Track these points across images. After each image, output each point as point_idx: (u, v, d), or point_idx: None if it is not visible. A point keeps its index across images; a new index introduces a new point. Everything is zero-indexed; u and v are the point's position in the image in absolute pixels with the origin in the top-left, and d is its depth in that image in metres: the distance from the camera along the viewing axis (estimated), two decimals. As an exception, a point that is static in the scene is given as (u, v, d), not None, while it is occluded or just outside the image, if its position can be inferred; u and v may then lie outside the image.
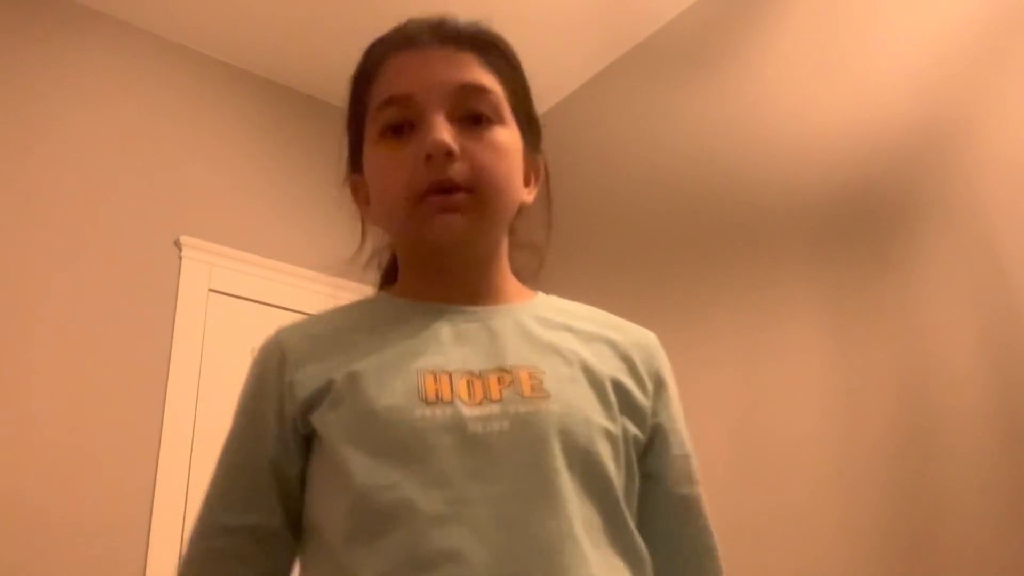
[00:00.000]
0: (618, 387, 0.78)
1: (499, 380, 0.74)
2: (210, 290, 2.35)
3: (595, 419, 0.74)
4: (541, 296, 0.88)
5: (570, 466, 0.70)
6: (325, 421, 0.73)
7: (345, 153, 0.90)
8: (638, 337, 0.85)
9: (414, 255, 0.85)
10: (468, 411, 0.71)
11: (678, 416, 0.84)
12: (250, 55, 2.64)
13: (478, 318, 0.80)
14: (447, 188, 0.77)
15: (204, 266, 2.37)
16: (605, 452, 0.73)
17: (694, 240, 2.24)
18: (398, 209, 0.79)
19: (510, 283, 0.87)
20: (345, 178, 0.91)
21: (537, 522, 0.67)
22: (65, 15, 2.36)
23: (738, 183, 2.16)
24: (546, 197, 0.92)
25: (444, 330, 0.79)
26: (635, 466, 0.76)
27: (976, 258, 1.64)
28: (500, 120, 0.82)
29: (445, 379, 0.73)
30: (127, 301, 2.21)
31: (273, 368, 0.79)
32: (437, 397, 0.72)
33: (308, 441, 0.76)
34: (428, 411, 0.71)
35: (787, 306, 1.96)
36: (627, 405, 0.78)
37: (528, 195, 0.88)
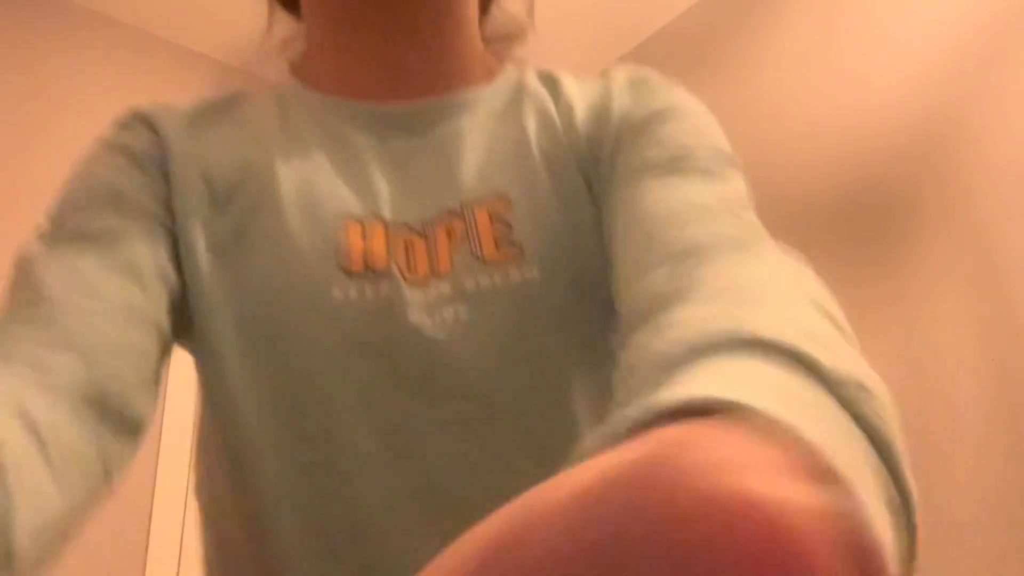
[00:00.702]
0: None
1: (448, 234, 0.48)
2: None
3: (589, 273, 0.48)
4: (510, 71, 0.59)
5: (576, 359, 0.47)
6: (206, 282, 0.47)
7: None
8: (605, 83, 0.55)
9: (340, 13, 0.55)
10: (409, 292, 0.46)
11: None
12: (250, 55, 2.63)
13: (425, 125, 0.53)
14: None
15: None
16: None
17: None
18: None
19: (475, 59, 0.58)
20: None
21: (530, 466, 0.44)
22: (63, 15, 2.35)
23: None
24: None
25: (368, 149, 0.52)
26: None
27: (975, 258, 1.64)
28: None
29: (379, 234, 0.48)
30: None
31: (144, 152, 0.50)
32: (366, 263, 0.47)
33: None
34: (353, 288, 0.46)
35: None
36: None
37: None
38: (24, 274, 0.45)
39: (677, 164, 0.46)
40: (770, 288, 0.35)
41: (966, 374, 1.59)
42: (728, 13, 2.32)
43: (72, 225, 0.47)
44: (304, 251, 0.46)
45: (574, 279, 0.48)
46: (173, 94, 2.33)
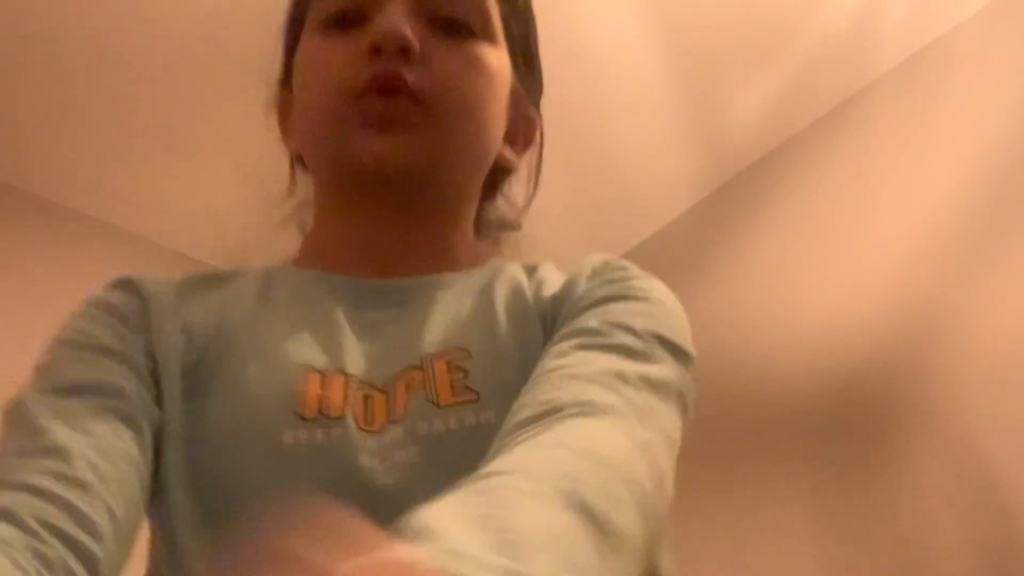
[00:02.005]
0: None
1: (407, 385, 0.50)
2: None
3: None
4: (493, 264, 0.62)
5: None
6: (173, 422, 0.49)
7: (277, 66, 0.68)
8: (577, 268, 0.59)
9: (337, 192, 0.60)
10: (361, 438, 0.47)
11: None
12: (215, 249, 2.56)
13: (403, 297, 0.56)
14: (392, 90, 0.54)
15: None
16: None
17: (682, 438, 2.26)
18: (324, 114, 0.57)
19: (463, 248, 0.61)
20: (272, 97, 0.69)
21: None
22: (45, 214, 2.32)
23: (724, 383, 2.19)
24: (535, 165, 0.69)
25: (350, 316, 0.54)
26: None
27: (958, 453, 1.66)
28: (486, 34, 0.59)
29: (337, 384, 0.49)
30: None
31: (129, 308, 0.54)
32: (320, 410, 0.48)
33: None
34: (304, 433, 0.47)
35: (774, 503, 1.98)
36: None
37: (512, 154, 0.65)
38: (17, 416, 0.47)
39: (605, 338, 0.49)
40: (552, 476, 0.37)
41: (954, 559, 1.61)
42: (715, 221, 2.41)
43: (62, 375, 0.50)
44: (260, 397, 0.48)
45: None
46: None
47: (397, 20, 0.54)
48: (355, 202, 0.58)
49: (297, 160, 0.66)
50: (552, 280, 0.58)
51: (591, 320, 0.50)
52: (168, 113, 2.11)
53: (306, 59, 0.60)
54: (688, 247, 2.46)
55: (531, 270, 0.60)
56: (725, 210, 2.41)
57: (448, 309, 0.55)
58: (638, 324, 0.51)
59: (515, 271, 0.59)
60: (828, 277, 2.05)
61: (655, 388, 0.48)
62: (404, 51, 0.54)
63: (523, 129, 0.66)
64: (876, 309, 1.91)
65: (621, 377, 0.46)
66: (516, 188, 0.70)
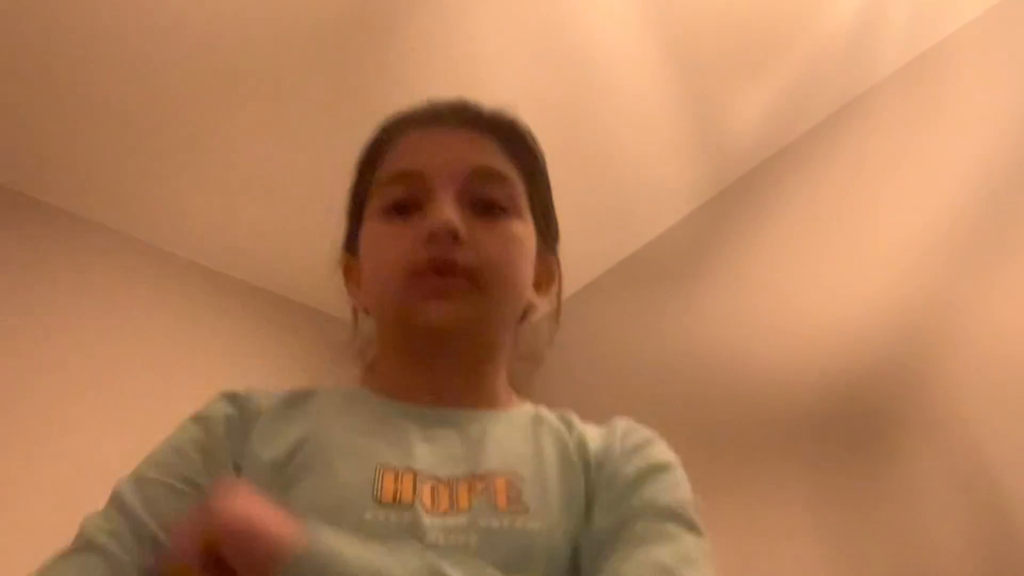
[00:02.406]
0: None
1: (470, 488, 0.62)
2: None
3: (574, 536, 0.63)
4: (530, 405, 0.78)
5: None
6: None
7: (343, 231, 0.83)
8: (613, 433, 0.73)
9: (401, 341, 0.74)
10: (429, 519, 0.59)
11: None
12: (252, 267, 2.64)
13: (458, 422, 0.70)
14: (446, 270, 0.69)
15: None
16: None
17: (685, 444, 2.25)
18: (390, 285, 0.71)
19: (503, 389, 0.77)
20: (338, 259, 0.84)
21: None
22: (62, 225, 2.34)
23: (726, 387, 2.20)
24: (556, 304, 0.83)
25: (417, 430, 0.68)
26: None
27: (959, 456, 1.67)
28: (515, 212, 0.75)
29: (408, 480, 0.62)
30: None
31: (222, 422, 0.68)
32: (395, 499, 0.60)
33: None
34: (381, 513, 0.59)
35: (776, 506, 1.98)
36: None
37: (537, 298, 0.80)
38: (116, 502, 0.63)
39: (646, 528, 0.62)
40: None
41: (955, 560, 1.61)
42: (715, 226, 2.42)
43: (157, 471, 0.65)
44: (347, 484, 0.61)
45: (568, 535, 0.62)
46: (169, 303, 2.39)
47: (448, 212, 0.69)
48: (417, 349, 0.73)
49: (362, 310, 0.82)
50: (589, 436, 0.72)
51: (631, 504, 0.64)
52: (181, 123, 2.12)
53: (373, 240, 0.75)
54: (689, 251, 2.47)
55: (567, 423, 0.74)
56: (725, 215, 2.41)
57: (502, 440, 0.69)
58: (667, 500, 0.66)
59: (553, 420, 0.74)
60: (829, 281, 2.06)
61: (695, 566, 0.60)
62: (454, 237, 0.69)
63: (546, 276, 0.81)
64: (876, 313, 1.91)
65: (668, 572, 0.58)
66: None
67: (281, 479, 0.62)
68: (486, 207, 0.73)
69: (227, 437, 0.67)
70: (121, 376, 2.32)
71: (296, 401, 0.72)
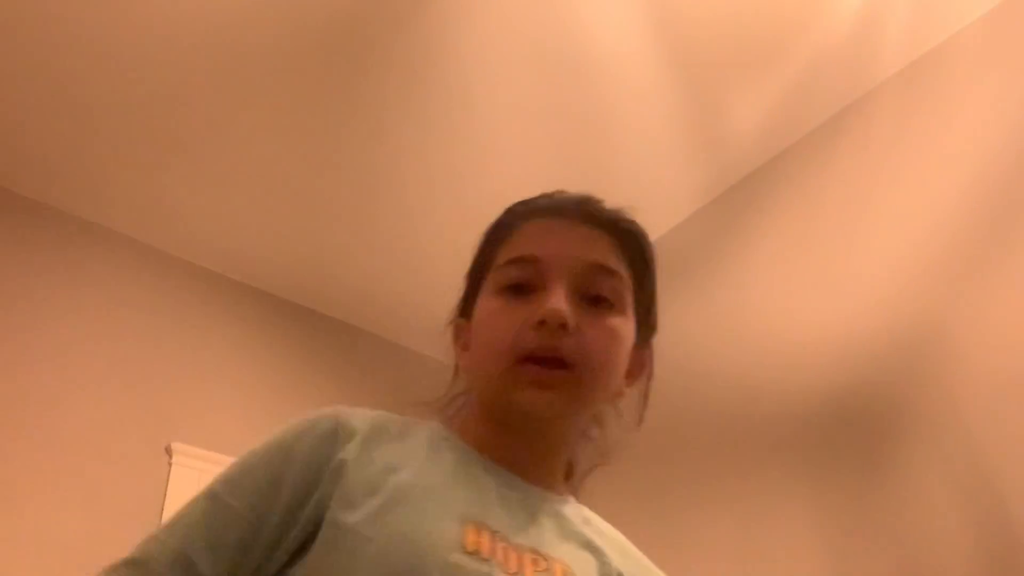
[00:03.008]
0: None
1: (534, 563, 0.70)
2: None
3: None
4: (573, 501, 0.85)
5: None
6: (358, 521, 0.67)
7: (459, 296, 0.89)
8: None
9: (495, 410, 0.81)
10: (503, 574, 0.66)
11: None
12: (246, 267, 2.64)
13: (528, 493, 0.77)
14: (550, 360, 0.74)
15: (194, 472, 2.30)
16: None
17: (685, 448, 2.27)
18: (498, 362, 0.76)
19: (560, 472, 0.84)
20: (450, 320, 0.89)
21: None
22: (63, 227, 2.37)
23: (726, 389, 2.21)
24: (644, 391, 0.89)
25: (494, 488, 0.75)
26: None
27: (958, 459, 1.67)
28: (620, 307, 0.80)
29: (487, 536, 0.69)
30: (113, 507, 2.14)
31: (320, 436, 0.74)
32: (476, 551, 0.66)
33: (302, 544, 0.69)
34: (465, 560, 0.65)
35: (777, 508, 1.99)
36: None
37: (626, 387, 0.85)
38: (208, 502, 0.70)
39: None
40: None
41: (955, 561, 1.62)
42: (716, 228, 2.44)
43: (231, 493, 0.71)
44: (437, 526, 0.67)
45: None
46: (167, 304, 2.40)
47: (560, 302, 0.74)
48: (508, 422, 0.79)
49: (462, 369, 0.88)
50: (611, 542, 0.80)
51: None
52: (180, 125, 2.12)
53: (488, 315, 0.80)
54: (690, 254, 2.47)
55: (598, 523, 0.83)
56: (726, 217, 2.41)
57: (560, 531, 0.76)
58: None
59: (596, 521, 0.83)
60: (829, 284, 2.06)
61: None
62: (563, 326, 0.74)
63: (637, 365, 0.86)
64: (877, 315, 1.91)
65: None
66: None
67: (370, 497, 0.68)
68: (594, 300, 0.78)
69: (316, 453, 0.73)
70: (122, 377, 2.32)
71: (390, 426, 0.78)
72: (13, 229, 2.27)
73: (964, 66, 1.94)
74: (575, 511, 0.81)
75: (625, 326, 0.80)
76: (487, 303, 0.81)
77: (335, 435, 0.73)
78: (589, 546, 0.77)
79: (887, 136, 2.05)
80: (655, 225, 2.78)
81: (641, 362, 0.87)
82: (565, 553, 0.73)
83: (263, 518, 0.69)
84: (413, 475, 0.71)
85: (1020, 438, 1.59)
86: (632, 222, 0.87)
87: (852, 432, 1.89)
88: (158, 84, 2.00)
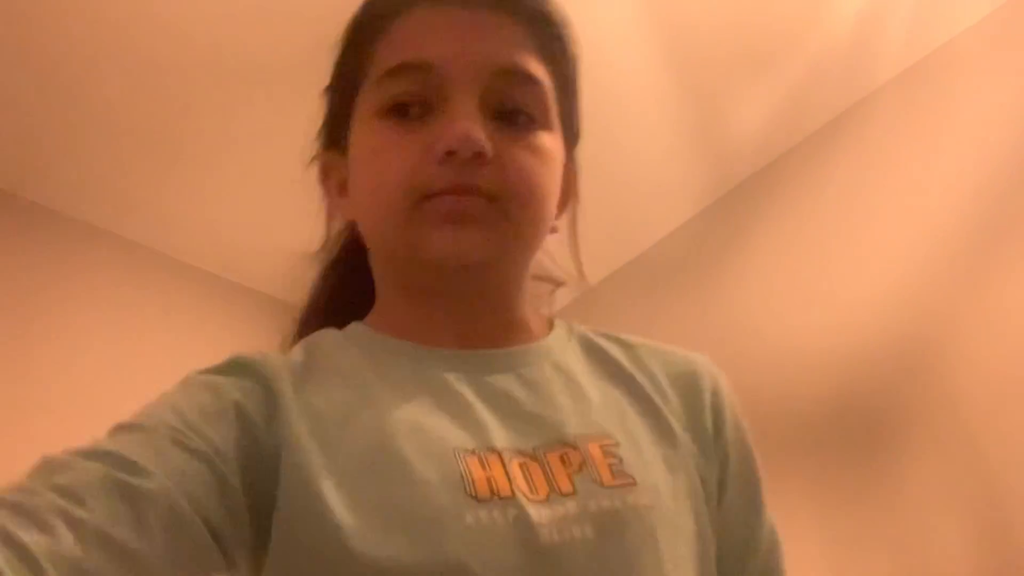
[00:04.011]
0: (687, 440, 0.58)
1: (563, 461, 0.52)
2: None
3: (685, 499, 0.54)
4: (560, 324, 0.66)
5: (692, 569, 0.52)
6: (323, 493, 0.48)
7: (320, 120, 0.68)
8: (692, 367, 0.64)
9: (407, 275, 0.62)
10: (535, 511, 0.49)
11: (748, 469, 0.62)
12: (252, 271, 2.64)
13: (505, 366, 0.59)
14: (464, 192, 0.56)
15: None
16: (698, 549, 0.54)
17: None
18: (391, 210, 0.57)
19: (532, 315, 0.66)
20: (315, 154, 0.69)
21: None
22: (67, 231, 2.34)
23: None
24: (571, 215, 0.72)
25: (465, 387, 0.56)
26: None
27: (959, 459, 1.67)
28: (544, 123, 0.61)
29: (495, 462, 0.51)
30: None
31: (240, 389, 0.53)
32: (492, 491, 0.49)
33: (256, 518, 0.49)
34: (483, 513, 0.48)
35: (777, 513, 1.98)
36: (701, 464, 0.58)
37: (557, 219, 0.68)
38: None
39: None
40: None
41: (955, 562, 1.61)
42: (717, 230, 2.42)
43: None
44: (434, 486, 0.49)
45: (673, 511, 0.53)
46: (176, 309, 2.37)
47: (471, 126, 0.55)
48: (433, 286, 0.61)
49: (344, 224, 0.69)
50: (657, 368, 0.63)
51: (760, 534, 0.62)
52: (182, 127, 2.11)
53: (369, 149, 0.61)
54: (691, 256, 2.47)
55: (627, 347, 0.65)
56: (727, 220, 2.41)
57: (565, 386, 0.58)
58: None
59: (606, 345, 0.64)
60: (830, 285, 2.05)
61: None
62: (479, 156, 0.55)
63: (565, 190, 0.68)
64: (878, 317, 1.91)
65: None
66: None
67: (343, 483, 0.49)
68: (510, 115, 0.59)
69: (241, 420, 0.52)
70: (124, 381, 2.32)
71: (310, 365, 0.58)
72: (16, 232, 2.28)
73: (964, 70, 1.94)
74: (569, 346, 0.63)
75: (554, 144, 0.62)
76: (366, 132, 0.61)
77: (264, 392, 0.53)
78: (615, 377, 0.60)
79: (886, 140, 2.05)
80: (654, 229, 2.81)
81: (569, 184, 0.69)
82: (592, 416, 0.56)
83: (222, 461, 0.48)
84: (374, 424, 0.52)
85: (1021, 442, 1.58)
86: (551, 4, 0.65)
87: (851, 436, 1.88)
88: (163, 89, 2.00)
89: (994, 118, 1.83)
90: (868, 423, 1.86)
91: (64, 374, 2.22)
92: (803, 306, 2.09)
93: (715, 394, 0.62)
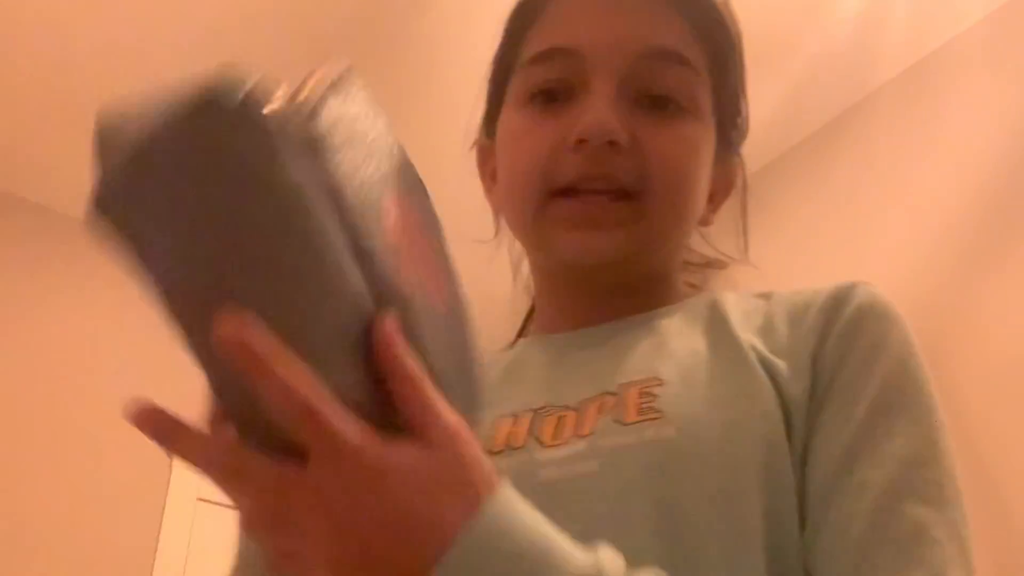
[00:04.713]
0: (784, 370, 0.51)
1: (600, 408, 0.50)
2: (198, 499, 2.18)
3: (743, 429, 0.47)
4: (705, 295, 0.61)
5: (691, 518, 0.45)
6: None
7: (482, 109, 0.67)
8: (815, 296, 0.57)
9: (547, 267, 0.61)
10: (543, 454, 0.48)
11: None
12: None
13: (609, 335, 0.57)
14: (600, 188, 0.54)
15: (195, 474, 2.27)
16: (757, 481, 0.46)
17: None
18: (524, 206, 0.56)
19: (673, 292, 0.62)
20: (475, 141, 0.68)
21: None
22: (72, 233, 2.33)
23: None
24: (741, 211, 0.70)
25: (550, 360, 0.56)
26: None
27: (963, 461, 1.66)
28: (693, 108, 0.57)
29: (526, 420, 0.51)
30: (114, 507, 2.13)
31: None
32: (507, 444, 0.50)
33: None
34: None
35: None
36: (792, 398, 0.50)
37: (710, 211, 0.65)
38: None
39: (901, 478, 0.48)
40: None
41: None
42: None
43: None
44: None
45: (714, 440, 0.47)
46: None
47: (604, 112, 0.53)
48: (568, 281, 0.59)
49: (493, 211, 0.67)
50: (788, 312, 0.56)
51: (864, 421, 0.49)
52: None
53: (510, 133, 0.59)
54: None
55: (765, 298, 0.59)
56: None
57: (651, 339, 0.55)
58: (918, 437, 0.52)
59: (734, 303, 0.58)
60: (833, 275, 2.05)
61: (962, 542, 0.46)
62: (612, 144, 0.53)
63: (723, 184, 0.66)
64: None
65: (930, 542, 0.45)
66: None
67: None
68: (656, 101, 0.56)
69: None
70: (127, 381, 2.31)
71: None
72: (16, 233, 2.29)
73: (964, 69, 1.94)
74: (700, 304, 0.58)
75: (701, 132, 0.58)
76: (510, 118, 0.60)
77: None
78: (711, 326, 0.54)
79: (887, 139, 2.05)
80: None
81: (728, 177, 0.66)
82: (651, 364, 0.52)
83: None
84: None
85: (1020, 440, 1.59)
86: None
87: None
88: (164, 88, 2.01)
89: (993, 118, 1.83)
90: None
91: (65, 374, 2.22)
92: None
93: (828, 311, 0.55)
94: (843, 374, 0.51)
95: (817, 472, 0.47)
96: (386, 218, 0.36)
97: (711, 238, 0.71)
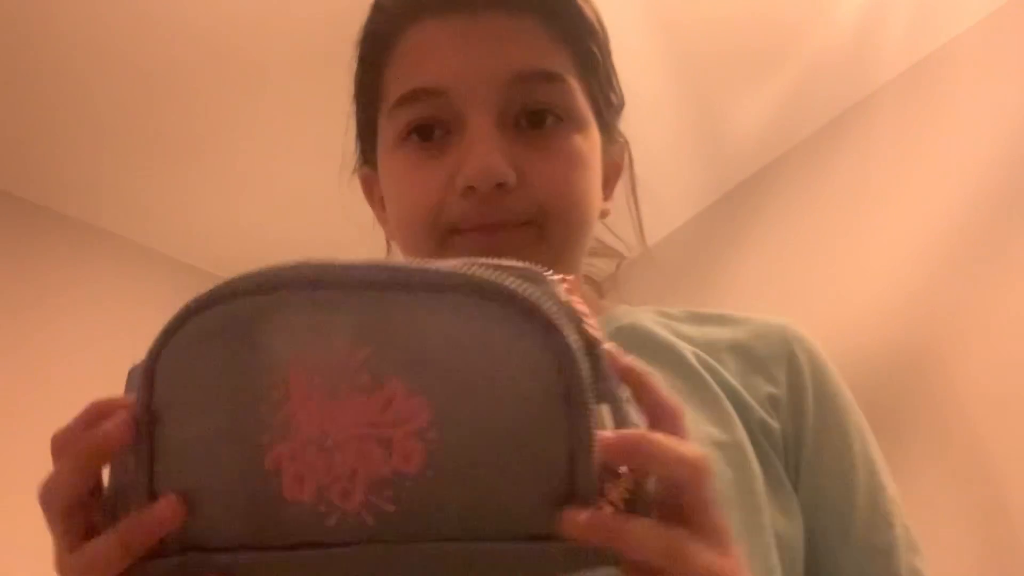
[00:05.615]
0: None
1: None
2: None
3: (739, 472, 0.54)
4: (622, 309, 0.66)
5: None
6: None
7: (353, 132, 0.65)
8: (762, 331, 0.63)
9: None
10: None
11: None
12: (229, 262, 2.57)
13: None
14: (496, 226, 0.54)
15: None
16: (759, 514, 0.56)
17: None
18: (421, 244, 0.56)
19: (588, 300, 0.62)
20: (355, 167, 0.67)
21: None
22: (72, 233, 2.35)
23: None
24: (631, 190, 0.69)
25: None
26: None
27: (960, 458, 1.67)
28: (573, 119, 0.57)
29: None
30: None
31: None
32: None
33: None
34: None
35: None
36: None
37: (607, 202, 0.65)
38: None
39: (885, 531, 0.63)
40: None
41: (956, 562, 1.61)
42: (717, 231, 2.42)
43: None
44: None
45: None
46: (173, 309, 2.40)
47: (488, 156, 0.52)
48: None
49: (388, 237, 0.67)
50: (733, 346, 0.62)
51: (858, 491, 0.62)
52: (185, 128, 2.12)
53: (392, 176, 0.58)
54: (691, 257, 2.47)
55: (709, 319, 0.64)
56: (727, 220, 2.41)
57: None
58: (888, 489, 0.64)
59: (662, 329, 0.61)
60: (831, 286, 2.05)
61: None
62: (500, 186, 0.52)
63: (613, 170, 0.65)
64: (878, 318, 1.91)
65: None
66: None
67: None
68: (535, 119, 0.55)
69: None
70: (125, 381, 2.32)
71: None
72: (16, 233, 2.27)
73: (965, 70, 1.94)
74: (611, 326, 0.59)
75: (586, 141, 0.57)
76: (389, 158, 0.58)
77: None
78: (655, 358, 0.56)
79: (887, 140, 2.05)
80: (651, 230, 2.77)
81: (616, 160, 0.65)
82: None
83: None
84: None
85: (1021, 439, 1.58)
86: None
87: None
88: (165, 89, 2.00)
89: (994, 118, 1.83)
90: (871, 424, 1.86)
91: (65, 374, 2.22)
92: (803, 308, 2.09)
93: (782, 359, 0.63)
94: (818, 427, 0.63)
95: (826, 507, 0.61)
96: None
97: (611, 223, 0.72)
